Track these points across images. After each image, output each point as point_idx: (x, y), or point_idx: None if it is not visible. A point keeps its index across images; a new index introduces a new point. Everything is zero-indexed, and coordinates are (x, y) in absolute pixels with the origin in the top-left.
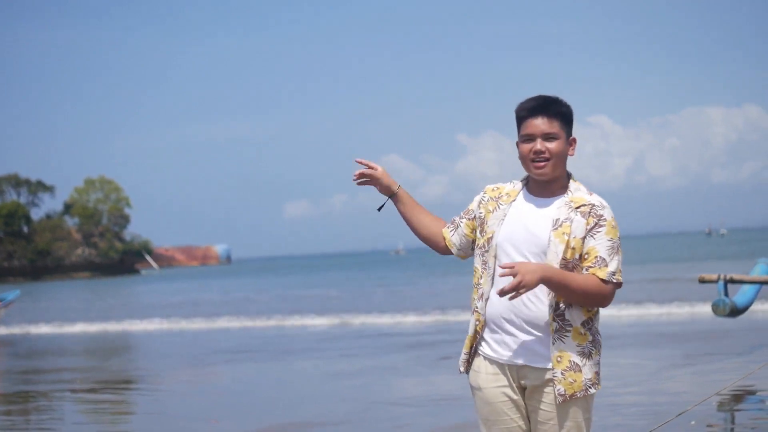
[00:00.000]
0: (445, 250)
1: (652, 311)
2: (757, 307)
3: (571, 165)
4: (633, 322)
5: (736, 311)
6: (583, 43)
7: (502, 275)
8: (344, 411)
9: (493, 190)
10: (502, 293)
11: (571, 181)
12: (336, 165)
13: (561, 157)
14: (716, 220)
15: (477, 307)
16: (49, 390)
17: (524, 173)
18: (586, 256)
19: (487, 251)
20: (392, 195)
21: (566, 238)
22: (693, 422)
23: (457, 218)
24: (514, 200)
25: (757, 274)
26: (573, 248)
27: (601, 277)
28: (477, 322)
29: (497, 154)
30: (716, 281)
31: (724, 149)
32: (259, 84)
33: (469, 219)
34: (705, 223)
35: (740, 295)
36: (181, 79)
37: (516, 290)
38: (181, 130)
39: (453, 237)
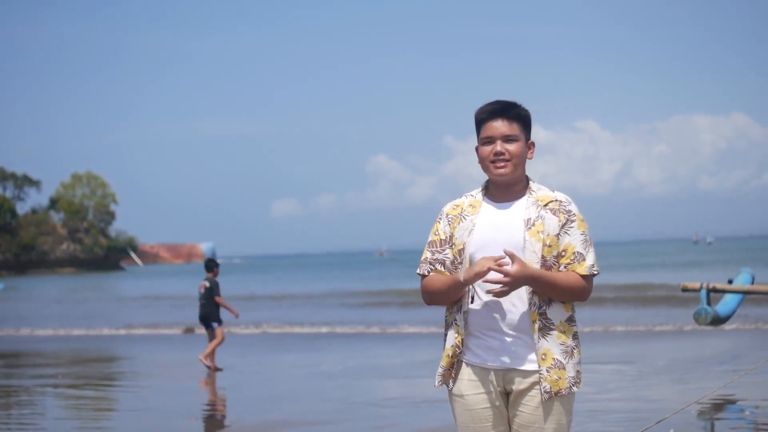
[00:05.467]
0: None
1: (634, 319)
2: (738, 316)
3: (558, 169)
4: (615, 329)
5: (718, 320)
6: (571, 49)
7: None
8: (325, 411)
9: (453, 208)
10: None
11: (530, 182)
12: (324, 164)
13: (521, 159)
14: (703, 228)
15: (456, 320)
16: (30, 385)
17: (476, 185)
18: (563, 253)
19: (461, 263)
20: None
21: (541, 236)
22: (672, 430)
23: (437, 256)
24: (479, 210)
25: (740, 283)
26: (549, 246)
27: (582, 272)
28: (456, 335)
29: None
30: (699, 290)
31: (712, 157)
32: (248, 82)
33: (448, 246)
34: (692, 230)
35: (723, 304)
36: (170, 76)
37: (502, 288)
38: (169, 127)
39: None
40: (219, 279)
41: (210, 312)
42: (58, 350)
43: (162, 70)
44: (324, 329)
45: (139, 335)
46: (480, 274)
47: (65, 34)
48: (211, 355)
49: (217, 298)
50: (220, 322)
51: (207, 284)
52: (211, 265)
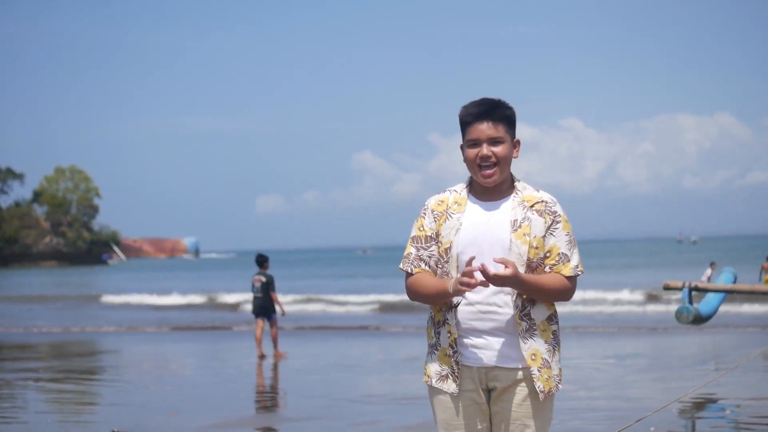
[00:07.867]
0: None
1: (616, 318)
2: (720, 315)
3: (543, 167)
4: (596, 328)
5: (699, 319)
6: (556, 47)
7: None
8: (308, 407)
9: (437, 204)
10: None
11: (516, 181)
12: (310, 161)
13: (507, 161)
14: (688, 227)
15: (447, 319)
16: (12, 379)
17: (461, 182)
18: (548, 254)
19: (447, 262)
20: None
21: (528, 238)
22: (653, 429)
23: (422, 253)
24: (465, 208)
25: (722, 282)
26: (536, 247)
27: (567, 273)
28: (449, 334)
29: None
30: (681, 288)
31: (697, 157)
32: (234, 79)
33: (434, 243)
34: (676, 229)
35: (704, 303)
36: (156, 73)
37: (495, 280)
38: (155, 123)
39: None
40: (204, 274)
41: (267, 305)
42: (38, 344)
43: (148, 66)
44: (305, 325)
45: (120, 331)
46: (466, 285)
47: (49, 30)
48: (260, 343)
49: (272, 294)
50: (275, 313)
51: (263, 279)
52: (261, 260)
